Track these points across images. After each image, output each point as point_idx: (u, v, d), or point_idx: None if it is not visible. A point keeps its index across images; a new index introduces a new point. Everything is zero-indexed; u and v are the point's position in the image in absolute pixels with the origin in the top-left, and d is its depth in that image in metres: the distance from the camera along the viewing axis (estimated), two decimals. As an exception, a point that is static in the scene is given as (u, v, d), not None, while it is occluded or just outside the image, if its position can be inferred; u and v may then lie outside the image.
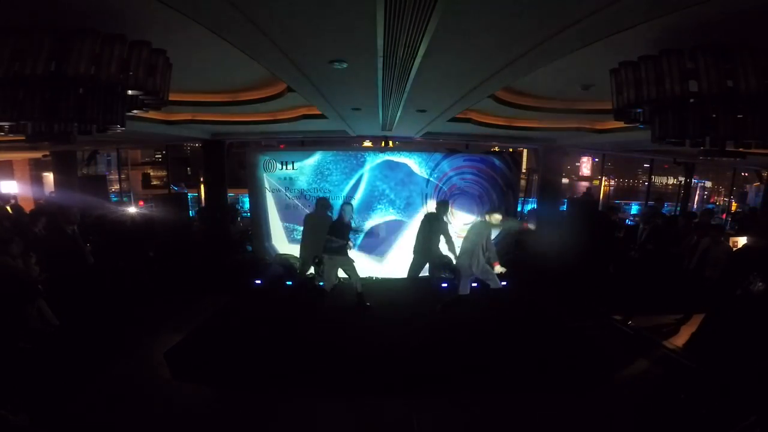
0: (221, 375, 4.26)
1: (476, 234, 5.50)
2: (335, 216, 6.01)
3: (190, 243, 7.54)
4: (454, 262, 6.39)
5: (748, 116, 2.65)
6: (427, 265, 6.83)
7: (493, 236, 5.83)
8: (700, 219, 7.00)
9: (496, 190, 7.99)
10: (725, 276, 5.11)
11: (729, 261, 5.30)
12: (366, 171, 7.82)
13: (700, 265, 5.63)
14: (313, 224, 6.69)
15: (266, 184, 7.79)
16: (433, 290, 6.40)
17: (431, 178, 7.89)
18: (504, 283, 6.02)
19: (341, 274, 6.07)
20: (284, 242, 7.94)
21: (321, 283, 5.85)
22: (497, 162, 7.91)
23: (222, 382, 4.19)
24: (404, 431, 3.53)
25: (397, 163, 7.81)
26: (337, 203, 6.97)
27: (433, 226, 6.56)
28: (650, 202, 9.29)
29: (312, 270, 6.65)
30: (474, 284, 5.86)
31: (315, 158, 7.74)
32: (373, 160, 7.80)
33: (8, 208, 7.83)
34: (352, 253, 6.04)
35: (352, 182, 7.80)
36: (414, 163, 7.83)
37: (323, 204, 6.86)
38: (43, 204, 9.01)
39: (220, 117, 6.72)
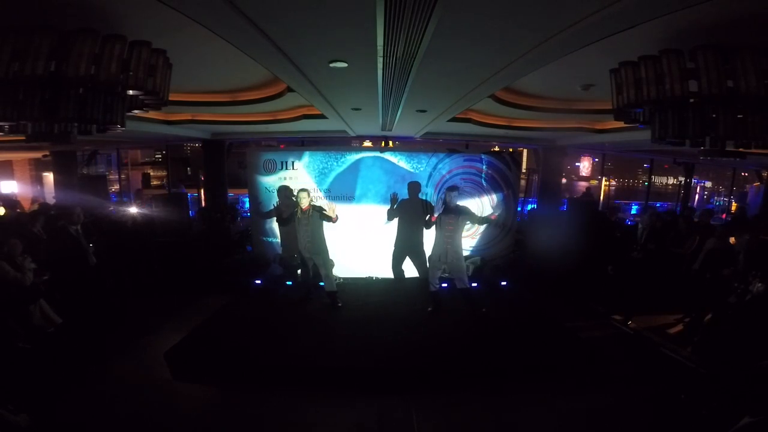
0: (221, 375, 4.26)
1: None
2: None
3: (190, 243, 7.54)
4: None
5: (748, 116, 2.65)
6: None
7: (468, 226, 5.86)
8: (700, 219, 6.99)
9: (496, 191, 7.97)
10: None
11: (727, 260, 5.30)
12: (358, 169, 7.71)
13: (705, 266, 5.62)
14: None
15: (266, 185, 7.78)
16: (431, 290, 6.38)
17: (429, 178, 7.83)
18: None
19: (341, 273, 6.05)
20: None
21: (321, 283, 5.82)
22: (497, 162, 7.90)
23: (222, 382, 4.19)
24: (404, 431, 3.53)
25: (390, 162, 7.69)
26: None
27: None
28: (650, 203, 9.28)
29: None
30: (444, 284, 5.76)
31: (308, 159, 7.67)
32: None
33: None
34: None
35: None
36: (404, 162, 7.74)
37: (282, 193, 6.60)
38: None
39: (220, 117, 6.72)
